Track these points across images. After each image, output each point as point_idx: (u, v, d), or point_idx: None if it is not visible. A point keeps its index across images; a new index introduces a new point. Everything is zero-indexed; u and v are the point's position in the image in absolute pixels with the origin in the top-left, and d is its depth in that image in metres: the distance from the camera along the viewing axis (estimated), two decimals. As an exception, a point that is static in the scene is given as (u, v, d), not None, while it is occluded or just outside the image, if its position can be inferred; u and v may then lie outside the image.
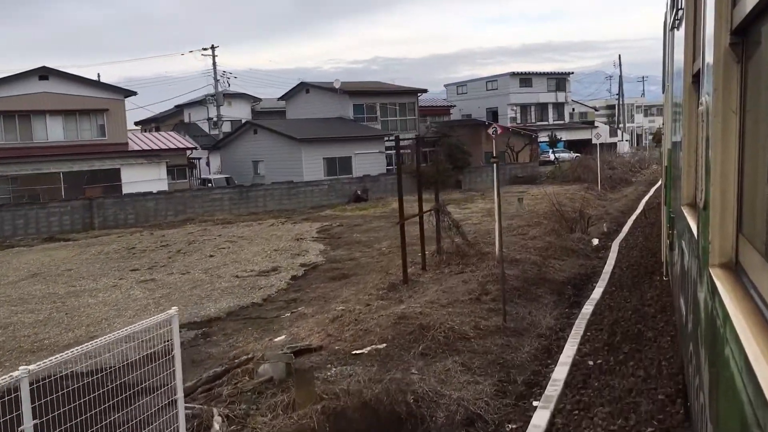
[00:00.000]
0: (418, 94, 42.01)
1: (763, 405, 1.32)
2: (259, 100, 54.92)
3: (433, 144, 39.45)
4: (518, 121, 67.90)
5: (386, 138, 36.54)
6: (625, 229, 18.75)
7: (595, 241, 17.27)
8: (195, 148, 37.11)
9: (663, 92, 9.69)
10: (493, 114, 67.84)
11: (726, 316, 1.85)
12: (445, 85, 75.02)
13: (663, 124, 12.04)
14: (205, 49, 49.22)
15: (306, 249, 18.61)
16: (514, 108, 67.14)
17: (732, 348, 1.75)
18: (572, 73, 69.84)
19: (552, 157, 54.42)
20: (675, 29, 5.36)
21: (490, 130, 13.35)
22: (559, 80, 69.04)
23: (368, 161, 35.55)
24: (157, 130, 63.34)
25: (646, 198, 27.13)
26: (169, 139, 36.86)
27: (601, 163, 36.49)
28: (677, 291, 5.48)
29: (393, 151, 39.67)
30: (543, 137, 55.13)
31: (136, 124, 68.24)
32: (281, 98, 46.16)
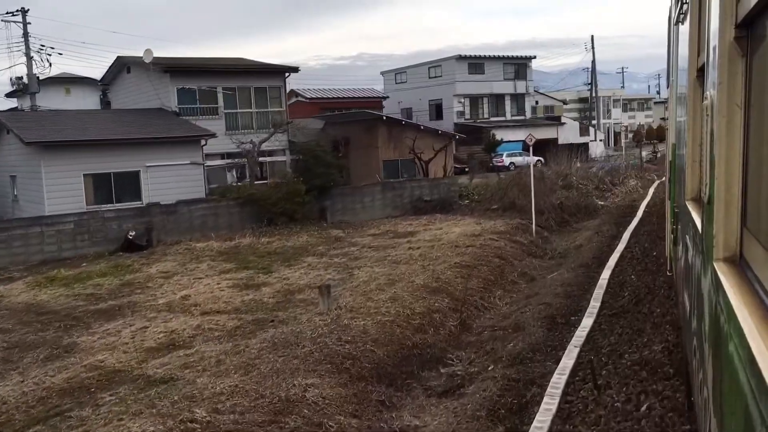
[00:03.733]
0: (287, 74, 28.20)
1: (767, 399, 1.32)
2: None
3: (299, 152, 25.92)
4: (467, 116, 54.38)
5: (204, 141, 22.73)
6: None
7: None
8: None
9: (667, 87, 9.55)
10: (437, 107, 54.25)
11: (730, 310, 1.85)
12: (382, 73, 61.27)
13: (668, 119, 10.61)
14: (12, 14, 35.08)
15: None
16: (462, 100, 53.68)
17: (736, 342, 1.76)
18: (534, 57, 56.48)
19: (506, 162, 41.04)
20: (680, 23, 5.39)
21: None
22: (519, 66, 55.46)
23: (173, 179, 21.76)
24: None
25: (616, 254, 13.81)
26: None
27: (547, 181, 23.15)
28: (681, 286, 5.41)
29: (221, 161, 25.95)
30: (511, 137, 41.70)
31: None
32: (101, 81, 32.32)
